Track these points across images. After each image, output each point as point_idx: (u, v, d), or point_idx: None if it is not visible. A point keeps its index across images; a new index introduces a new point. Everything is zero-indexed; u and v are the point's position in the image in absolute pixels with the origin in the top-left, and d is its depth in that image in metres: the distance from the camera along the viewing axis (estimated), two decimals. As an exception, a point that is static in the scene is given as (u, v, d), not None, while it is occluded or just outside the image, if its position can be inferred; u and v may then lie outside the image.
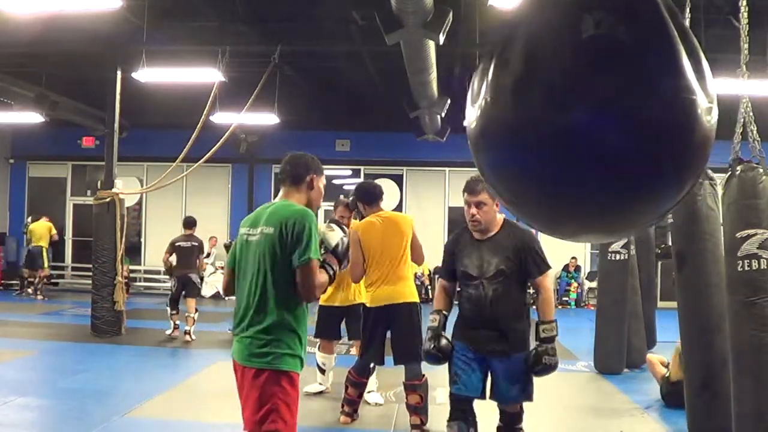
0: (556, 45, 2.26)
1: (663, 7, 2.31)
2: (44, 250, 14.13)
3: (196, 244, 9.46)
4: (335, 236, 3.30)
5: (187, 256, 9.36)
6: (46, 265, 14.10)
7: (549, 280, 3.83)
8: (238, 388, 3.02)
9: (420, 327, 4.94)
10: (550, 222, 2.65)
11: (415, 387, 4.93)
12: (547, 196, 2.40)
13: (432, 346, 3.77)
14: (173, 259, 9.40)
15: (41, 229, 14.28)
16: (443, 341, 3.77)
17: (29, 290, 14.18)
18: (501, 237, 3.76)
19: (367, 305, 5.10)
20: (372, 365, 5.41)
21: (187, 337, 9.14)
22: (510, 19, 2.50)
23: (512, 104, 2.30)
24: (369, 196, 5.19)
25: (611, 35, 2.18)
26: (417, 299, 5.09)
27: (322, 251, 3.16)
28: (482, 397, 3.80)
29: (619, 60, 2.19)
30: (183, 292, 9.32)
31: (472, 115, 2.51)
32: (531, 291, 3.91)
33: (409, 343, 4.90)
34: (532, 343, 3.81)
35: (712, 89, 2.39)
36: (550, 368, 3.74)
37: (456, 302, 3.95)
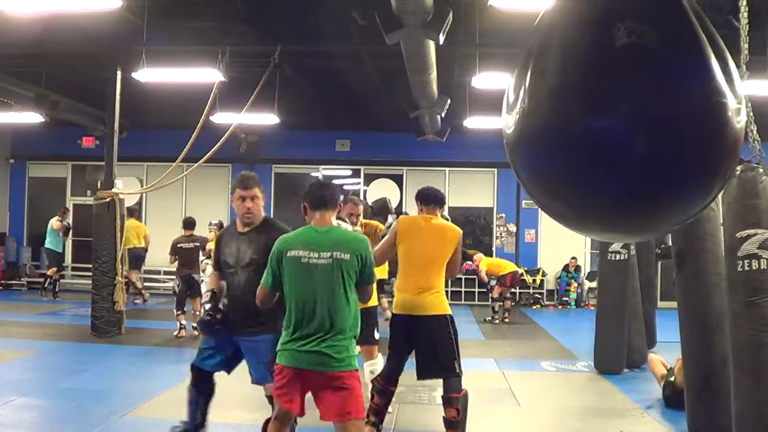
0: (590, 53, 2.34)
1: (691, 13, 2.35)
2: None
3: (198, 244, 9.49)
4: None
5: (189, 256, 9.40)
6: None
7: None
8: (307, 388, 3.46)
9: (455, 339, 4.73)
10: (579, 221, 2.71)
11: (452, 401, 4.66)
12: (578, 197, 2.49)
13: (202, 316, 4.17)
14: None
15: (140, 229, 12.90)
16: (217, 315, 4.11)
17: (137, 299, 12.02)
18: (260, 230, 4.10)
19: (393, 310, 4.89)
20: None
21: (195, 332, 9.09)
22: (542, 25, 2.55)
23: (549, 111, 2.40)
24: (428, 198, 4.93)
25: (643, 43, 2.26)
26: (448, 311, 4.77)
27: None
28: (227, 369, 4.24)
29: (651, 67, 2.26)
30: (188, 292, 9.35)
31: (509, 121, 2.60)
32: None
33: (443, 357, 4.67)
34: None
35: (740, 90, 2.43)
36: None
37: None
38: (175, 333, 9.32)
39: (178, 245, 9.41)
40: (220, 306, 4.15)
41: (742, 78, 4.00)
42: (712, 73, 2.29)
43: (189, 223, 9.70)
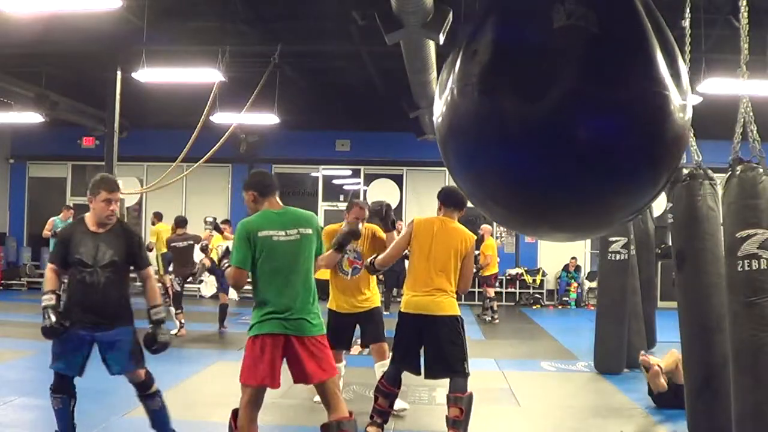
0: (526, 34, 2.22)
1: (638, 2, 2.23)
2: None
3: (192, 241, 9.51)
4: None
5: (185, 255, 9.41)
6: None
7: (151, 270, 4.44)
8: (288, 356, 3.71)
9: (464, 340, 4.74)
10: (524, 221, 2.56)
11: (457, 400, 4.63)
12: (517, 193, 2.34)
13: (52, 321, 4.06)
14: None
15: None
16: (56, 317, 4.07)
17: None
18: (118, 232, 4.22)
19: (401, 308, 4.88)
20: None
21: (183, 331, 9.33)
22: (479, 8, 2.42)
23: (480, 93, 2.24)
24: (446, 199, 4.88)
25: (583, 26, 2.15)
26: (457, 312, 4.77)
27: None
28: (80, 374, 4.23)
29: (589, 51, 2.15)
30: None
31: (439, 108, 2.43)
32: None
33: (451, 358, 4.67)
34: None
35: (687, 88, 2.31)
36: (165, 346, 4.38)
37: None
38: (174, 332, 9.31)
39: (173, 244, 9.43)
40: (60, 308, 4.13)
41: (742, 78, 4.02)
42: (655, 63, 2.18)
43: (181, 222, 9.70)
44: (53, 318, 4.02)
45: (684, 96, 2.26)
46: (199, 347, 8.78)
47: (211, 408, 5.69)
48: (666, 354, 6.08)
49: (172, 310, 9.41)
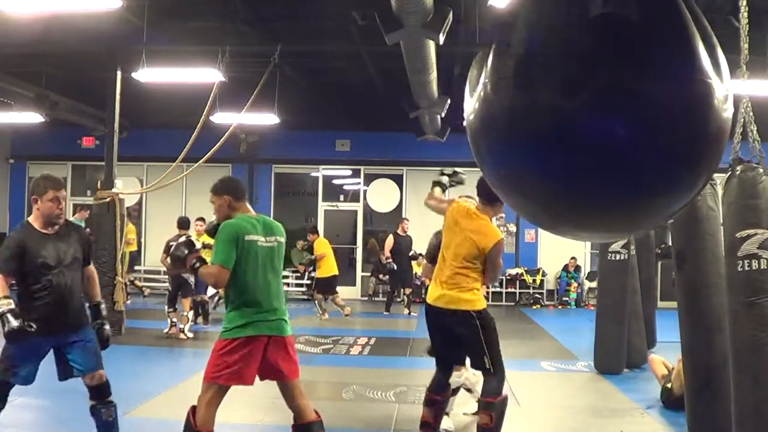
0: (561, 24, 2.08)
1: None
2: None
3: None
4: None
5: None
6: None
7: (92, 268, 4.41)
8: (265, 356, 3.81)
9: (484, 337, 4.48)
10: (553, 219, 2.42)
11: (488, 406, 4.37)
12: (548, 190, 2.22)
13: (17, 324, 3.90)
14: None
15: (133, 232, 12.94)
16: (17, 323, 3.90)
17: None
18: (68, 229, 4.21)
19: (426, 300, 4.73)
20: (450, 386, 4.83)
21: (182, 336, 9.27)
22: (511, 4, 2.32)
23: (515, 87, 2.12)
24: (480, 191, 4.62)
25: (620, 14, 2.02)
26: (476, 307, 4.51)
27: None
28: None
29: (628, 40, 2.01)
30: (179, 292, 9.44)
31: (470, 106, 2.32)
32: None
33: (468, 352, 4.53)
34: None
35: (728, 80, 2.18)
36: (109, 340, 4.32)
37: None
38: (165, 330, 9.39)
39: (171, 244, 9.42)
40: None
41: (742, 78, 4.02)
42: (696, 52, 2.04)
43: (184, 223, 9.73)
44: (15, 322, 3.86)
45: (726, 87, 2.14)
46: (199, 347, 8.78)
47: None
48: (678, 365, 5.93)
49: (166, 309, 9.45)
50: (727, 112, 2.16)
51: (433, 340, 4.74)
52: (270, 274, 3.93)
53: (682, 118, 2.06)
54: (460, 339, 4.53)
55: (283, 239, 4.07)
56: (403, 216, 14.83)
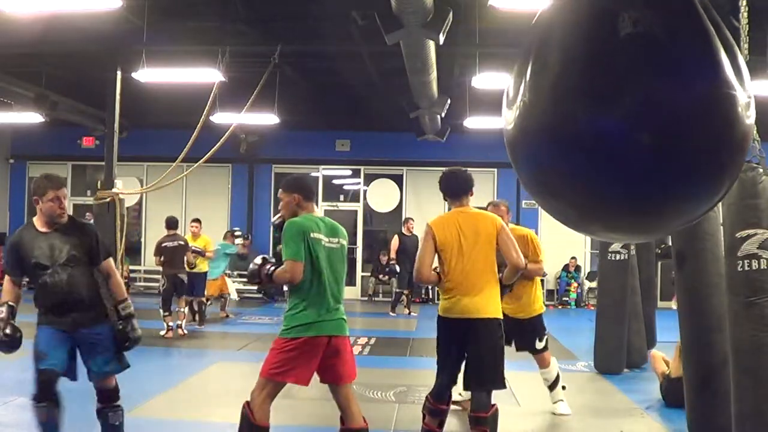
0: (592, 45, 2.25)
1: (697, 2, 2.28)
2: None
3: (182, 242, 9.62)
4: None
5: (175, 256, 9.50)
6: None
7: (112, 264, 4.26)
8: (330, 356, 3.84)
9: (502, 349, 4.35)
10: (582, 220, 2.62)
11: (481, 421, 4.19)
12: (581, 195, 2.39)
13: (6, 332, 3.94)
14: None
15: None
16: (9, 329, 3.96)
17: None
18: (70, 228, 4.10)
19: (441, 314, 4.38)
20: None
21: (180, 332, 9.32)
22: (541, 20, 2.48)
23: (551, 105, 2.30)
24: (452, 187, 4.48)
25: (649, 33, 2.18)
26: (500, 315, 4.34)
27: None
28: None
29: (657, 58, 2.18)
30: (174, 292, 9.46)
31: (510, 117, 2.50)
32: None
33: (485, 368, 4.26)
34: None
35: (749, 85, 2.34)
36: (137, 342, 4.20)
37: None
38: (162, 333, 9.34)
39: (163, 245, 9.50)
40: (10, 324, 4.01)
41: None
42: (720, 64, 2.21)
43: (172, 223, 9.75)
44: (6, 330, 3.88)
45: (748, 94, 2.30)
46: (199, 347, 8.78)
47: (212, 408, 5.69)
48: (675, 351, 5.97)
49: (161, 310, 9.42)
50: (750, 119, 2.36)
51: (449, 359, 4.45)
52: (334, 275, 3.94)
53: (708, 127, 2.21)
54: (480, 351, 4.32)
55: (345, 242, 4.09)
56: (403, 216, 14.85)
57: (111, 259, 4.27)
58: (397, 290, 13.10)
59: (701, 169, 2.28)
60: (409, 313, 12.65)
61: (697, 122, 2.19)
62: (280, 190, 4.08)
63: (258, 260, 4.09)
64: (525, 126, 2.41)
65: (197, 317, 10.30)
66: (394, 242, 13.02)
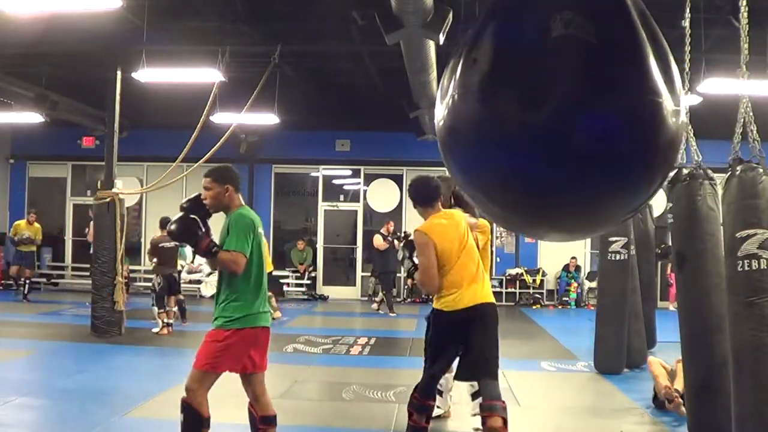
0: (525, 43, 2.28)
1: (633, 10, 2.33)
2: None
3: (177, 243, 9.64)
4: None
5: (170, 255, 9.66)
6: None
7: None
8: (261, 347, 3.98)
9: (497, 337, 4.40)
10: (523, 223, 2.64)
11: (498, 409, 4.15)
12: (516, 195, 2.41)
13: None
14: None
15: None
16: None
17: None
18: None
19: (442, 309, 4.35)
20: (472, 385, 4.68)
21: (166, 330, 9.49)
22: (480, 14, 2.50)
23: (480, 101, 2.30)
24: (425, 196, 4.51)
25: (579, 36, 2.21)
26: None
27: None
28: None
29: (586, 61, 2.22)
30: (168, 290, 9.61)
31: (440, 113, 2.50)
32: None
33: (489, 355, 4.29)
34: None
35: (680, 91, 2.42)
36: None
37: None
38: (155, 330, 9.50)
39: (159, 245, 9.57)
40: None
41: (742, 78, 4.02)
42: (649, 72, 2.26)
43: (166, 223, 9.77)
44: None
45: (677, 101, 2.37)
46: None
47: (212, 408, 5.68)
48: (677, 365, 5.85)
49: (155, 309, 9.58)
50: (678, 123, 2.42)
51: (446, 351, 4.49)
52: (262, 266, 4.06)
53: (635, 130, 2.29)
54: (486, 336, 4.38)
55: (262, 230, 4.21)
56: (403, 216, 14.88)
57: None
58: (385, 291, 13.26)
59: (625, 170, 2.33)
60: (382, 310, 12.97)
61: (622, 126, 2.24)
62: (209, 179, 3.95)
63: (195, 226, 3.92)
64: (454, 122, 2.42)
65: (181, 315, 10.40)
66: (379, 241, 13.31)
